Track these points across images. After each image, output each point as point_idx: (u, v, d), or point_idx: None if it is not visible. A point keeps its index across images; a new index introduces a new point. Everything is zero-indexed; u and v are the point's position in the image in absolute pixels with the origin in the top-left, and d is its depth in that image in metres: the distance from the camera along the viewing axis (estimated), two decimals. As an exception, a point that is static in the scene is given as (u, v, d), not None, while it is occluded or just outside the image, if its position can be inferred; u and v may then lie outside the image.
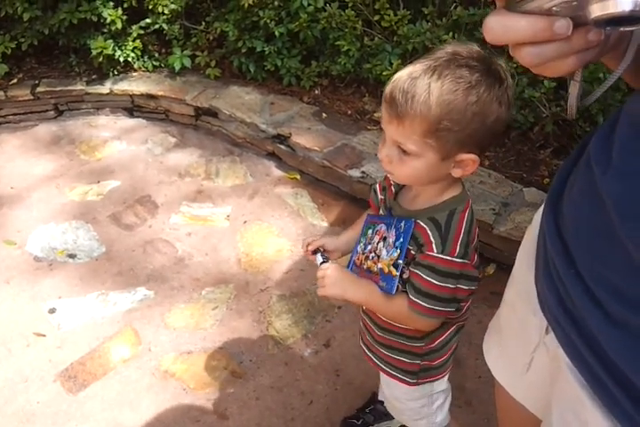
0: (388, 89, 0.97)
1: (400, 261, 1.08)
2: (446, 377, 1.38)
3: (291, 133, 2.88)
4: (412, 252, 1.08)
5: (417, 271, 1.07)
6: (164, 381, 1.97)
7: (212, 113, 3.13)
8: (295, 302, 2.25)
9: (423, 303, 1.07)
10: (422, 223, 1.07)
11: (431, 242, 1.05)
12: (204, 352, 2.06)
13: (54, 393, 1.92)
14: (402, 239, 1.08)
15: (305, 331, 2.14)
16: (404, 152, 1.00)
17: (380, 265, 1.13)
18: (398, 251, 1.08)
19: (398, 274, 1.08)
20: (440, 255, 1.04)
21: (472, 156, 0.99)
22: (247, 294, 2.28)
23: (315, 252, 1.27)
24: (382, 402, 1.76)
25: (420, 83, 0.92)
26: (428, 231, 1.06)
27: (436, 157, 0.99)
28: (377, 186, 1.29)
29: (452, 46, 0.96)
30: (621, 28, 0.50)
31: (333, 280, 1.15)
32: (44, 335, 2.11)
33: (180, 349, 2.07)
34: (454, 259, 1.04)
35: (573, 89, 0.67)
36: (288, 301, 2.26)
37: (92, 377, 1.98)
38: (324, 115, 3.02)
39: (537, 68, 0.60)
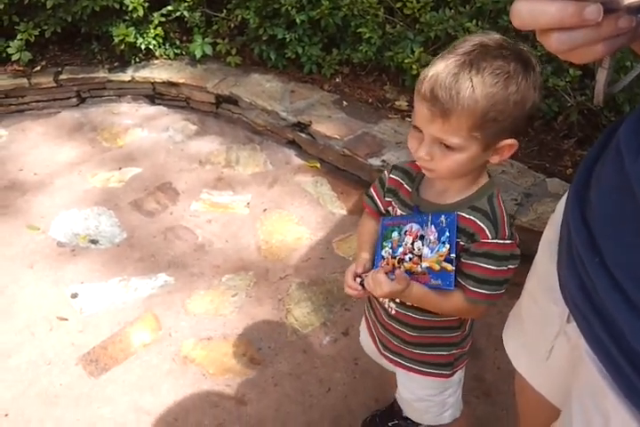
0: (426, 87, 0.96)
1: (453, 255, 1.06)
2: None
3: (311, 122, 2.87)
4: (462, 243, 1.07)
5: (474, 262, 1.07)
6: (184, 366, 1.99)
7: (233, 101, 3.13)
8: (314, 290, 2.26)
9: (483, 291, 1.08)
10: (465, 214, 1.07)
11: (483, 229, 1.05)
12: (223, 338, 2.08)
13: (76, 376, 1.96)
14: (448, 233, 1.06)
15: (324, 319, 2.15)
16: (448, 147, 0.99)
17: (425, 264, 1.10)
18: (447, 245, 1.06)
19: (454, 268, 1.07)
20: (495, 240, 1.05)
21: (510, 141, 1.01)
22: (267, 282, 2.29)
23: (361, 283, 1.18)
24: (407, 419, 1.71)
25: (462, 78, 0.92)
26: (476, 220, 1.06)
27: (480, 149, 1.00)
28: (372, 191, 1.27)
29: (476, 37, 0.96)
30: None
31: (396, 295, 1.12)
32: (67, 319, 2.14)
33: (199, 335, 2.09)
34: (506, 241, 1.06)
35: (601, 76, 0.66)
36: (307, 289, 2.26)
37: (113, 361, 2.00)
38: (345, 103, 3.01)
39: (564, 55, 0.59)
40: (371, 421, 1.80)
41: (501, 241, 1.06)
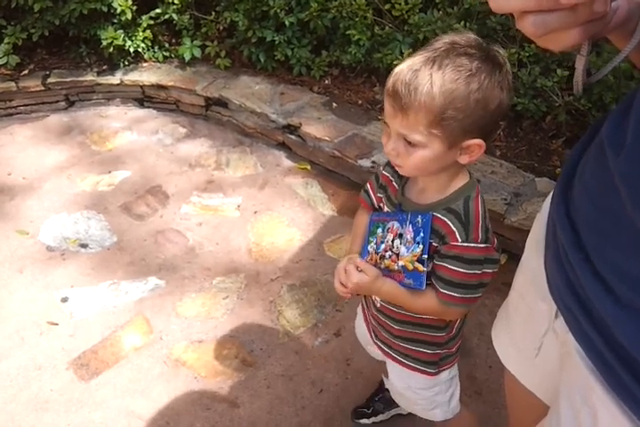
0: (390, 83, 0.97)
1: (425, 256, 1.06)
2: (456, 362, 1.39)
3: (301, 123, 2.87)
4: (435, 244, 1.07)
5: (443, 264, 1.07)
6: (176, 369, 1.98)
7: (223, 103, 3.13)
8: (305, 291, 2.26)
9: (454, 294, 1.07)
10: (440, 215, 1.07)
11: (453, 232, 1.05)
12: (215, 341, 2.07)
13: (67, 381, 1.94)
14: (422, 234, 1.06)
15: (315, 320, 2.15)
16: (410, 143, 0.99)
17: (401, 263, 1.10)
18: (421, 246, 1.06)
19: (425, 269, 1.07)
20: (465, 244, 1.04)
21: (477, 140, 0.99)
22: (258, 284, 2.29)
23: None
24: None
25: (422, 74, 0.93)
26: (448, 222, 1.06)
27: (443, 146, 0.99)
28: (368, 186, 1.28)
29: (449, 36, 0.97)
30: None
31: (366, 289, 1.14)
32: (57, 324, 2.12)
33: (191, 337, 2.08)
34: (478, 245, 1.05)
35: (579, 63, 0.66)
36: (298, 290, 2.26)
37: (104, 365, 1.99)
38: (335, 105, 3.01)
39: (541, 40, 0.59)
40: (362, 405, 1.83)
41: (472, 244, 1.05)
